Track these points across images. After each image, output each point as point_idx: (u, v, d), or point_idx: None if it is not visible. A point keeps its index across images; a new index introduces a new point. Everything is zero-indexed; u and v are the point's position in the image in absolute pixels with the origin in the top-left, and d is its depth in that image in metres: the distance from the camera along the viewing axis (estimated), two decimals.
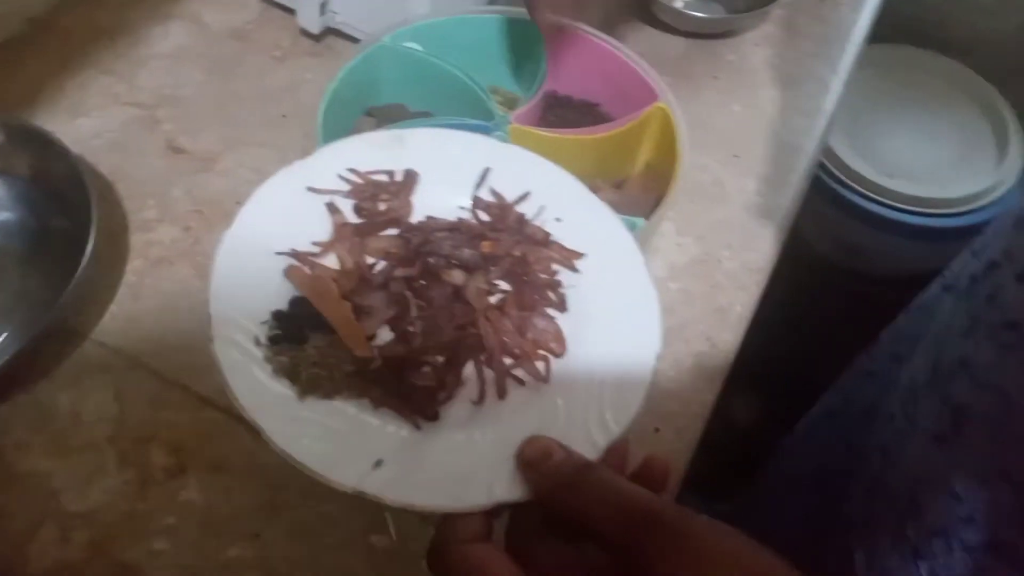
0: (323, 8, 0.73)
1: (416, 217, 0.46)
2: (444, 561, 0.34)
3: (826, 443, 0.70)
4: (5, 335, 0.55)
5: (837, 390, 0.73)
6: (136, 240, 0.62)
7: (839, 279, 1.27)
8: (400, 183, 0.47)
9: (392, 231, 0.45)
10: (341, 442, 0.37)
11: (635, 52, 0.65)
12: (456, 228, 0.46)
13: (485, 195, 0.48)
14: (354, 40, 0.74)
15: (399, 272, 0.43)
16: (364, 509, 0.51)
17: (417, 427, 0.39)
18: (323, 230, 0.44)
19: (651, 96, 0.64)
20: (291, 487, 0.52)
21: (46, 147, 0.59)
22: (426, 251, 0.44)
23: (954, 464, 0.47)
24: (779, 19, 0.84)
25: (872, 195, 1.18)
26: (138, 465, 0.52)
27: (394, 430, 0.38)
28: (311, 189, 0.45)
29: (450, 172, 0.48)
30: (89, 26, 0.75)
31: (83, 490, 0.51)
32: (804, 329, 1.22)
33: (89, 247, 0.54)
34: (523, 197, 0.48)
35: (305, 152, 0.54)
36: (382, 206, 0.46)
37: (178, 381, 0.55)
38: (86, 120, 0.69)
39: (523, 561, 0.33)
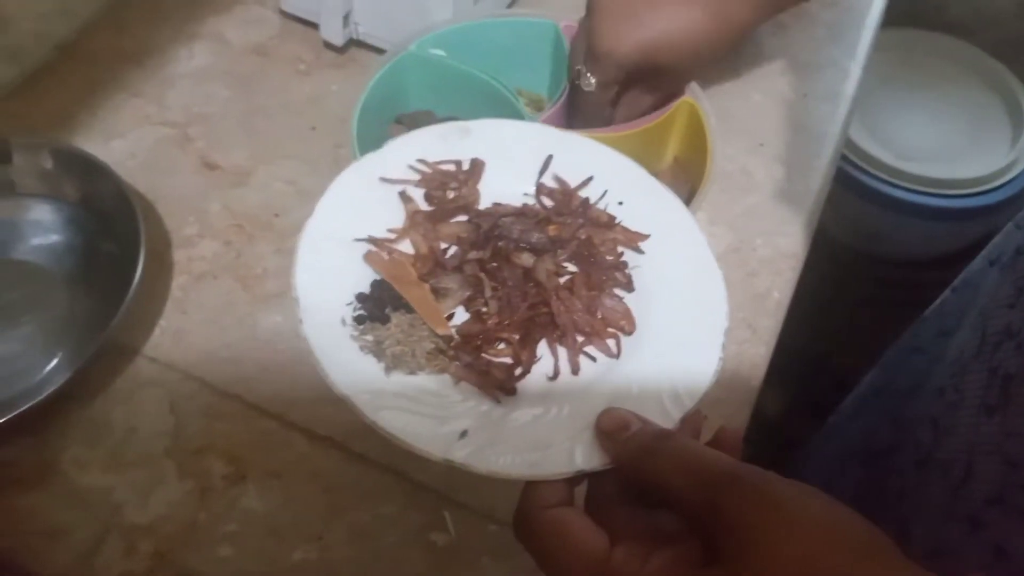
0: (346, 20, 0.74)
1: (483, 204, 0.48)
2: (529, 526, 0.35)
3: (872, 421, 0.70)
4: (58, 357, 0.56)
5: (882, 368, 0.74)
6: (179, 256, 0.63)
7: (861, 265, 1.28)
8: (467, 171, 0.49)
9: (462, 217, 0.47)
10: (427, 415, 0.39)
11: None
12: (523, 213, 0.48)
13: (549, 182, 0.50)
14: (378, 51, 0.75)
15: (472, 255, 0.45)
16: (422, 508, 0.52)
17: (497, 401, 0.40)
18: (396, 218, 0.46)
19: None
20: (348, 490, 0.53)
21: (92, 170, 0.60)
22: (496, 235, 0.46)
23: (1007, 432, 0.48)
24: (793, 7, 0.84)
25: (889, 179, 1.19)
26: (197, 475, 0.53)
27: (475, 404, 0.40)
28: (384, 179, 0.47)
29: (514, 160, 0.50)
30: (115, 50, 0.76)
31: (144, 502, 0.52)
32: (830, 319, 1.22)
33: (139, 267, 0.55)
34: (586, 182, 0.50)
35: (337, 162, 0.56)
36: (451, 194, 0.48)
37: (230, 391, 0.56)
38: (120, 142, 0.70)
39: (602, 525, 0.35)
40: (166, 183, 0.67)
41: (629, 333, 0.44)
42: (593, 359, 0.43)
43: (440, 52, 0.65)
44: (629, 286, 0.46)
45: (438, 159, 0.49)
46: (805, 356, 1.15)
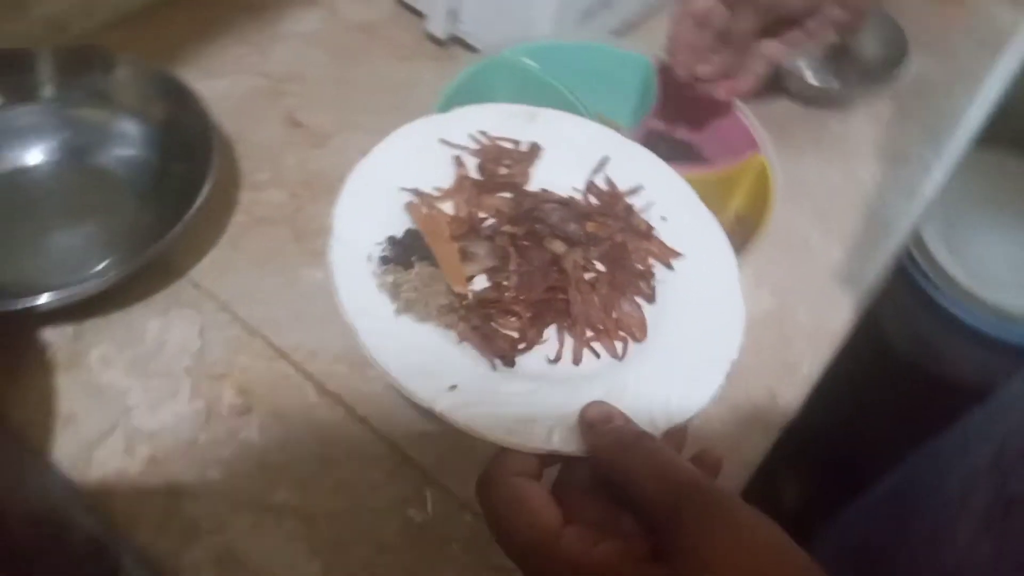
0: (451, 16, 0.77)
1: (532, 187, 0.50)
2: (490, 488, 0.36)
3: (878, 519, 0.69)
4: (110, 259, 0.59)
5: (901, 470, 0.73)
6: (244, 197, 0.66)
7: (906, 372, 1.24)
8: (524, 152, 0.51)
9: (507, 194, 0.49)
10: (423, 361, 0.40)
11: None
12: (566, 204, 0.49)
13: (600, 182, 0.51)
14: (474, 50, 0.78)
15: (506, 228, 0.46)
16: (407, 482, 0.53)
17: (493, 368, 0.41)
18: (446, 179, 0.48)
19: (751, 146, 0.65)
20: (342, 447, 0.54)
21: (183, 99, 0.63)
22: (534, 216, 0.47)
23: (999, 553, 0.47)
24: (891, 99, 0.84)
25: (957, 297, 1.16)
26: (208, 398, 0.55)
27: (471, 364, 0.41)
28: (443, 141, 0.49)
29: (571, 153, 0.51)
30: None
31: (154, 410, 0.54)
32: (859, 413, 1.20)
33: (202, 193, 0.58)
34: (635, 190, 0.51)
35: None
36: (503, 170, 0.49)
37: (259, 331, 0.59)
38: (219, 82, 0.74)
39: (563, 507, 0.35)
40: (250, 129, 0.71)
41: (639, 341, 0.45)
42: (597, 355, 0.44)
43: (531, 63, 0.67)
44: (651, 297, 0.47)
45: (500, 135, 0.51)
46: (826, 442, 1.12)
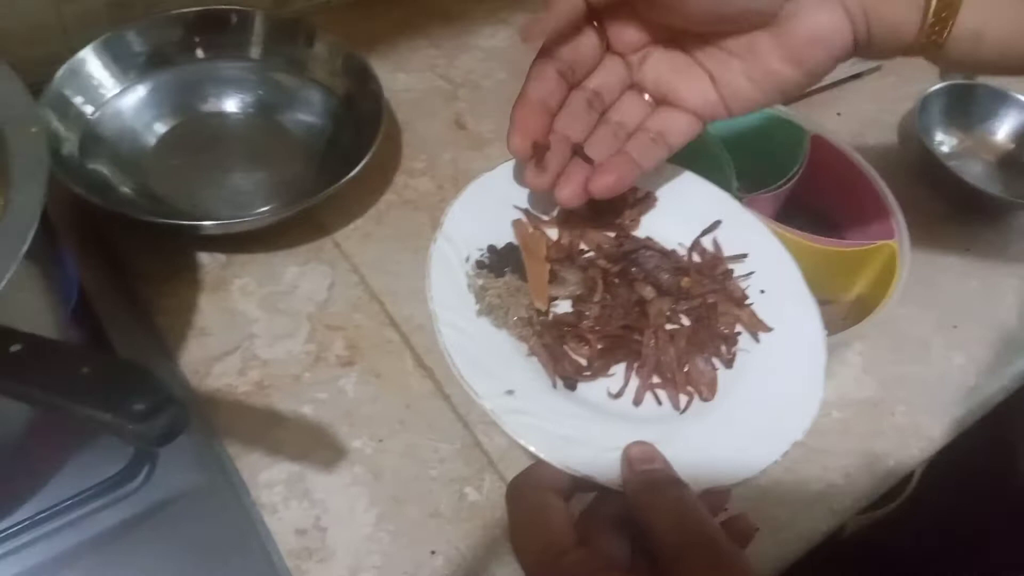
0: None
1: (638, 233, 0.51)
2: (519, 495, 0.38)
3: None
4: (273, 205, 0.67)
5: None
6: (398, 179, 0.73)
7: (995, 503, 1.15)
8: (638, 199, 0.52)
9: (611, 233, 0.51)
10: (490, 362, 0.42)
11: (893, 191, 0.67)
12: (666, 255, 0.50)
13: (707, 243, 0.51)
14: None
15: (601, 263, 0.48)
16: (471, 463, 0.57)
17: (554, 385, 0.43)
18: (555, 206, 0.50)
19: (888, 233, 0.65)
20: (423, 416, 0.58)
21: (366, 81, 0.71)
22: (632, 259, 0.49)
23: None
24: None
25: None
26: (320, 344, 0.61)
27: (534, 377, 0.43)
28: None
29: (685, 210, 0.52)
30: (439, 5, 0.89)
31: (272, 343, 0.61)
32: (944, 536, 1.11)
33: (359, 166, 0.64)
34: (739, 257, 0.51)
35: None
36: (614, 211, 0.51)
37: (379, 297, 0.64)
38: (404, 75, 0.81)
39: (583, 532, 0.37)
40: (420, 122, 0.78)
41: (705, 399, 0.45)
42: (659, 402, 0.44)
43: None
44: (729, 362, 0.47)
45: None
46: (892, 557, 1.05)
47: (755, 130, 0.71)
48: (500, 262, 0.46)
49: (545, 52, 0.46)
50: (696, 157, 0.67)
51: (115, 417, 0.31)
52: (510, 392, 0.41)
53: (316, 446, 0.56)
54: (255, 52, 0.72)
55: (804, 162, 0.67)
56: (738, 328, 0.48)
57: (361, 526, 0.53)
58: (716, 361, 0.47)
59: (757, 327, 0.48)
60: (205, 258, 0.65)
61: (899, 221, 0.65)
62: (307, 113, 0.72)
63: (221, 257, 0.65)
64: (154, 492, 0.52)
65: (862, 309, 0.66)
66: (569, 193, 0.45)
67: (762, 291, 0.50)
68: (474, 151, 0.77)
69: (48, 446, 0.52)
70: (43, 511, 0.49)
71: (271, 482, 0.54)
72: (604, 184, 0.45)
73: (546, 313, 0.46)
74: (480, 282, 0.45)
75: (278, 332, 0.61)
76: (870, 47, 0.45)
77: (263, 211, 0.66)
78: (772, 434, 0.43)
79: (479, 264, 0.46)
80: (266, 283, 0.64)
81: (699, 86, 0.48)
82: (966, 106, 0.85)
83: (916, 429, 0.64)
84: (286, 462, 0.55)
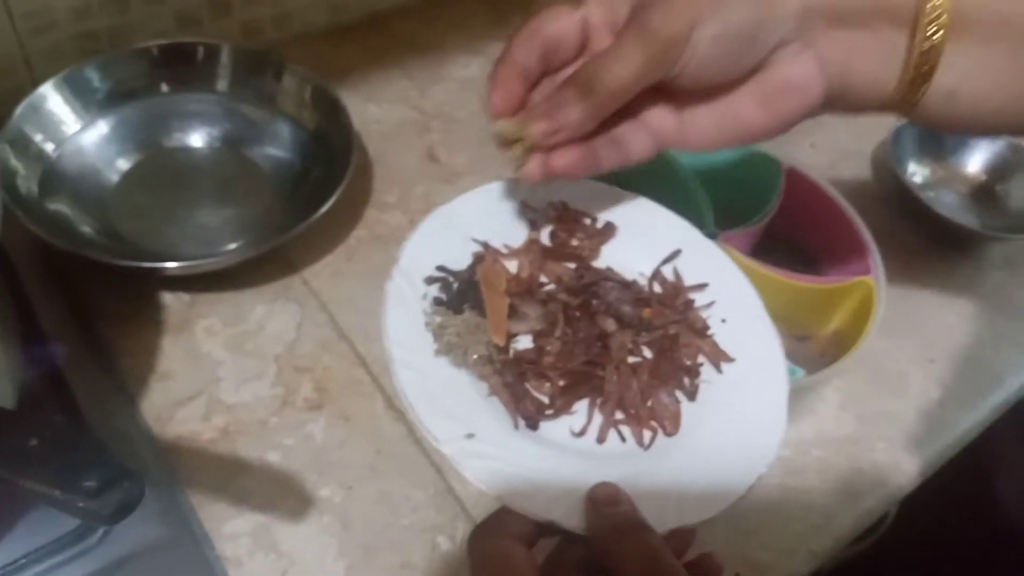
0: None
1: (599, 263, 0.51)
2: (482, 543, 0.37)
3: None
4: (240, 242, 0.65)
5: None
6: (369, 214, 0.71)
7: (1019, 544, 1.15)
8: (598, 230, 0.52)
9: (572, 264, 0.50)
10: (449, 404, 0.41)
11: (868, 223, 0.66)
12: (627, 286, 0.49)
13: (667, 272, 0.51)
14: None
15: (561, 296, 0.47)
16: (443, 511, 0.55)
17: (515, 426, 0.42)
18: (517, 239, 0.50)
19: (864, 268, 0.64)
20: (394, 462, 0.57)
21: (335, 114, 0.69)
22: (592, 291, 0.48)
23: None
24: None
25: None
26: (288, 387, 0.59)
27: (495, 418, 0.42)
28: (524, 203, 0.51)
29: (646, 240, 0.52)
30: (412, 36, 0.88)
31: (238, 386, 0.59)
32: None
33: (329, 202, 0.63)
34: (700, 287, 0.50)
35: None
36: (574, 242, 0.51)
37: (348, 336, 0.63)
38: (375, 107, 0.80)
39: None
40: (392, 154, 0.76)
41: (669, 434, 0.44)
42: (623, 439, 0.44)
43: None
44: (692, 395, 0.46)
45: (580, 209, 0.52)
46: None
47: (730, 164, 0.70)
48: (458, 298, 0.45)
49: (532, 30, 0.44)
50: (670, 191, 0.67)
51: (64, 494, 0.30)
52: (470, 435, 0.40)
53: (283, 495, 0.54)
54: (222, 85, 0.71)
55: (779, 197, 0.67)
56: (700, 359, 0.48)
57: None
58: (679, 394, 0.46)
59: (719, 357, 0.48)
60: (169, 298, 0.63)
61: (875, 256, 0.65)
62: (275, 147, 0.71)
63: (185, 297, 0.63)
64: (114, 547, 0.50)
65: (840, 344, 0.65)
66: (533, 167, 0.43)
67: (723, 320, 0.50)
68: (447, 184, 0.75)
69: (2, 503, 0.50)
70: None
71: (236, 533, 0.52)
72: (566, 161, 0.43)
73: (506, 350, 0.44)
74: (438, 319, 0.44)
75: (244, 375, 0.60)
76: (844, 100, 0.44)
77: (229, 250, 0.64)
78: (736, 469, 0.43)
79: (436, 301, 0.45)
80: (232, 323, 0.62)
81: (661, 112, 0.47)
82: (938, 137, 0.85)
83: (896, 466, 0.64)
84: (252, 512, 0.53)
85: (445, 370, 0.43)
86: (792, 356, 0.57)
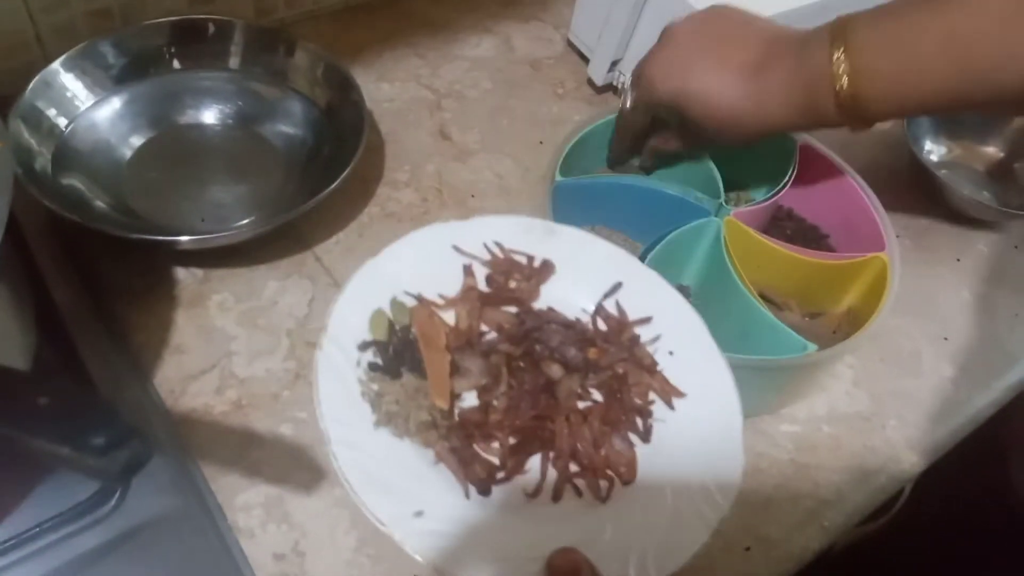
0: (612, 66, 0.80)
1: (540, 305, 0.48)
2: None
3: None
4: (253, 218, 0.65)
5: None
6: (381, 191, 0.71)
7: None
8: (535, 269, 0.49)
9: (512, 308, 0.47)
10: (393, 480, 0.38)
11: (883, 201, 0.66)
12: (571, 326, 0.47)
13: (610, 307, 0.49)
14: None
15: (503, 347, 0.45)
16: None
17: (467, 495, 0.40)
18: (453, 287, 0.47)
19: (878, 245, 0.64)
20: None
21: (347, 92, 0.69)
22: (535, 337, 0.45)
23: None
24: None
25: None
26: (300, 361, 0.59)
27: (444, 488, 0.39)
28: (456, 248, 0.49)
29: (586, 274, 0.50)
30: (424, 15, 0.87)
31: (251, 361, 0.59)
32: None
33: (340, 178, 0.63)
34: (644, 320, 0.49)
35: (543, 179, 0.61)
36: (512, 284, 0.48)
37: None
38: (387, 86, 0.80)
39: None
40: (403, 132, 0.76)
41: (626, 482, 0.42)
42: (579, 493, 0.41)
43: None
44: (645, 436, 0.44)
45: (515, 248, 0.50)
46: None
47: (756, 148, 0.70)
48: (395, 360, 0.42)
49: None
50: (684, 166, 0.67)
51: (73, 451, 0.30)
52: (419, 513, 0.38)
53: (295, 467, 0.55)
54: (234, 62, 0.71)
55: (793, 173, 0.66)
56: (651, 396, 0.46)
57: (341, 550, 0.52)
58: (633, 437, 0.45)
59: (670, 393, 0.47)
60: (182, 273, 0.63)
61: (889, 232, 0.64)
62: (287, 124, 0.71)
63: (199, 272, 0.63)
64: (128, 517, 0.50)
65: (853, 321, 0.65)
66: None
67: (671, 352, 0.48)
68: (458, 162, 0.75)
69: (17, 470, 0.51)
70: (13, 537, 0.48)
71: (248, 505, 0.53)
72: None
73: (450, 413, 0.42)
74: (375, 387, 0.42)
75: (257, 349, 0.60)
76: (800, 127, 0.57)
77: (242, 225, 0.64)
78: (698, 513, 0.41)
79: (372, 367, 0.42)
80: (245, 298, 0.63)
81: None
82: (955, 116, 0.84)
83: (908, 444, 0.63)
84: (264, 484, 0.53)
85: (386, 441, 0.40)
86: (804, 333, 0.57)
